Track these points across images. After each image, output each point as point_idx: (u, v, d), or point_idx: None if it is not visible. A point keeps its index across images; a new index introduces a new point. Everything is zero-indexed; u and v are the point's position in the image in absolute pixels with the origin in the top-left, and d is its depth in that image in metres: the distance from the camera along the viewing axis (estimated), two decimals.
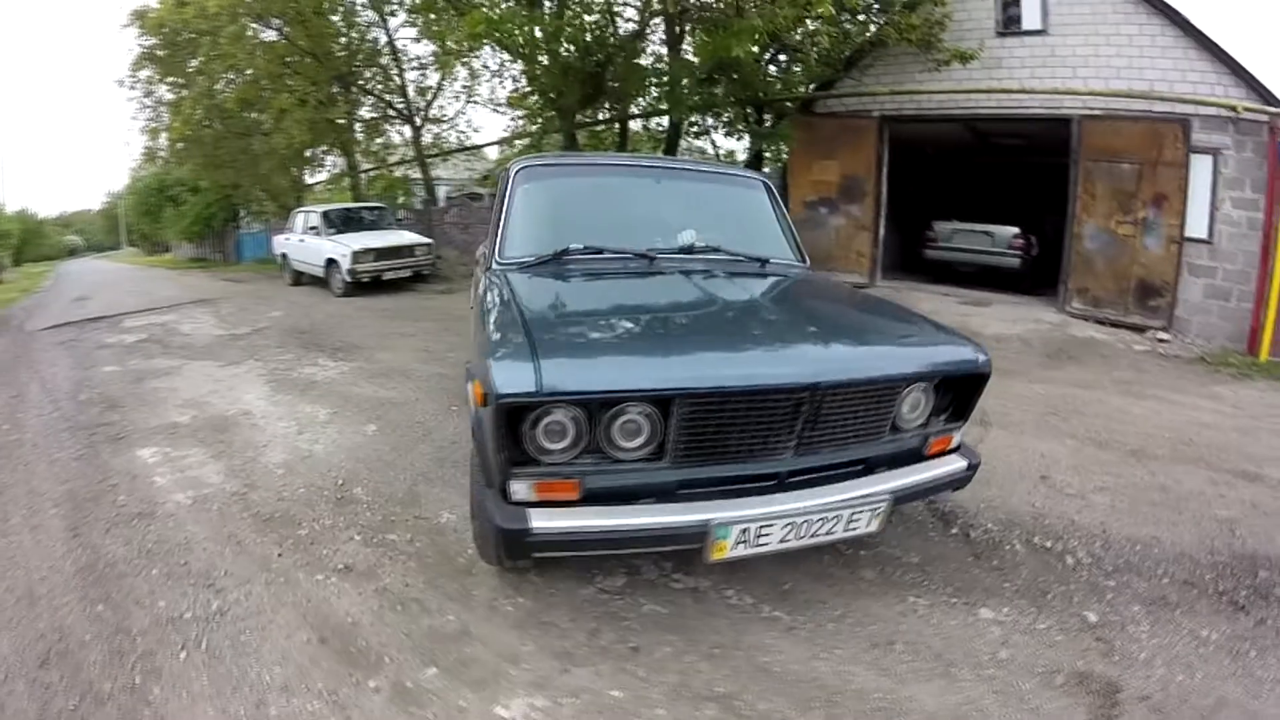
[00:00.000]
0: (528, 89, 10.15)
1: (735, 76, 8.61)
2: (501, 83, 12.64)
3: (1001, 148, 11.14)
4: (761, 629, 2.13)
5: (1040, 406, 4.64)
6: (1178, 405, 4.92)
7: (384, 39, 13.34)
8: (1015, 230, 9.16)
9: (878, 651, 2.03)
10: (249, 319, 7.96)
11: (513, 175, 2.98)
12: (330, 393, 4.73)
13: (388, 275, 9.78)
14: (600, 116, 11.50)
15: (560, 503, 1.78)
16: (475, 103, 13.45)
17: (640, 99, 10.18)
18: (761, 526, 1.79)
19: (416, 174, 14.36)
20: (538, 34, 8.19)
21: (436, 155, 14.56)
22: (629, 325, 2.12)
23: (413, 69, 13.46)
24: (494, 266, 2.70)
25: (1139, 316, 7.18)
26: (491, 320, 2.12)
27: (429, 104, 13.72)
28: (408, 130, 13.84)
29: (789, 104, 9.69)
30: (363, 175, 14.88)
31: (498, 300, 2.28)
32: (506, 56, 10.73)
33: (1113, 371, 5.91)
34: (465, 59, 11.98)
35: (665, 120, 11.39)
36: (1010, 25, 7.88)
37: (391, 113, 13.59)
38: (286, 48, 11.90)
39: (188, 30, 12.08)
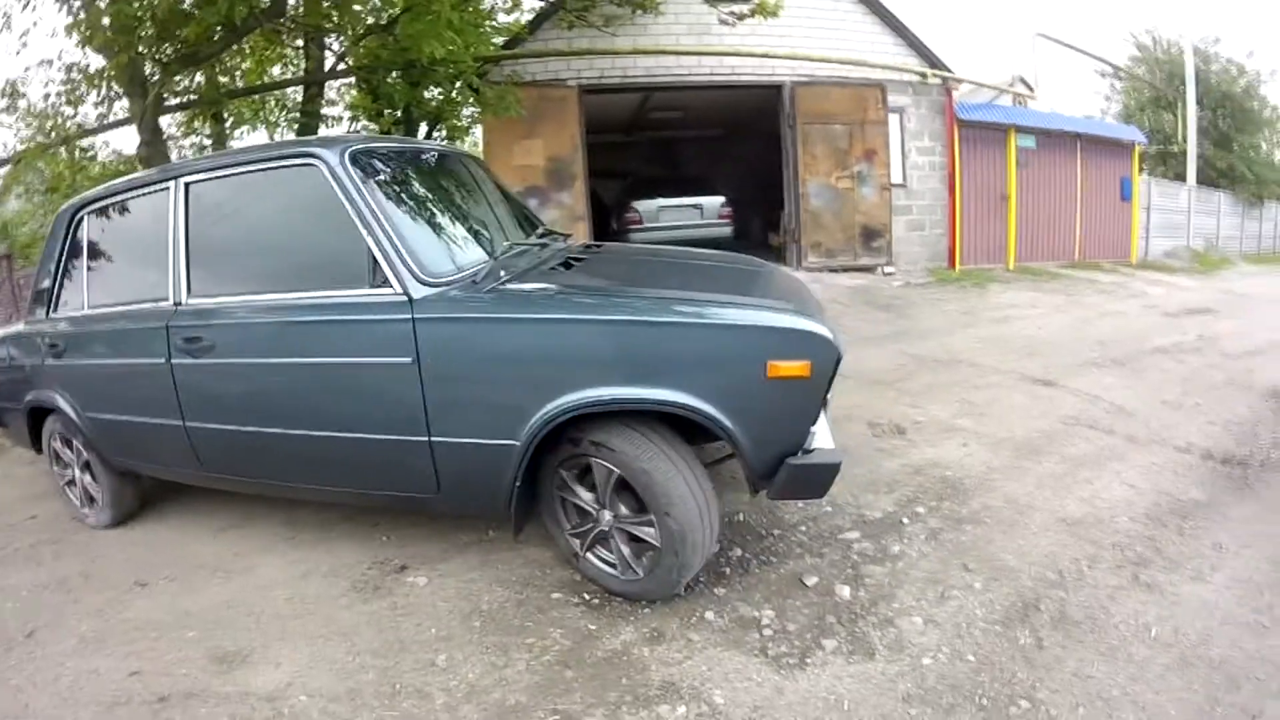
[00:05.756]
0: (87, 34, 5.10)
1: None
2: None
3: (655, 122, 11.06)
4: None
5: (1004, 353, 4.71)
6: (1022, 319, 5.97)
7: None
8: (723, 199, 8.94)
9: None
10: None
11: (340, 165, 2.04)
12: None
13: None
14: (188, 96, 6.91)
15: None
16: None
17: (338, 26, 6.06)
18: None
19: None
20: None
21: None
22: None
23: None
24: (429, 294, 1.91)
25: (867, 258, 8.21)
26: (660, 309, 1.80)
27: None
28: None
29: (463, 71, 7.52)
30: None
31: (579, 305, 1.91)
32: None
33: (922, 308, 6.49)
34: None
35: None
36: None
37: None
38: None
39: None
